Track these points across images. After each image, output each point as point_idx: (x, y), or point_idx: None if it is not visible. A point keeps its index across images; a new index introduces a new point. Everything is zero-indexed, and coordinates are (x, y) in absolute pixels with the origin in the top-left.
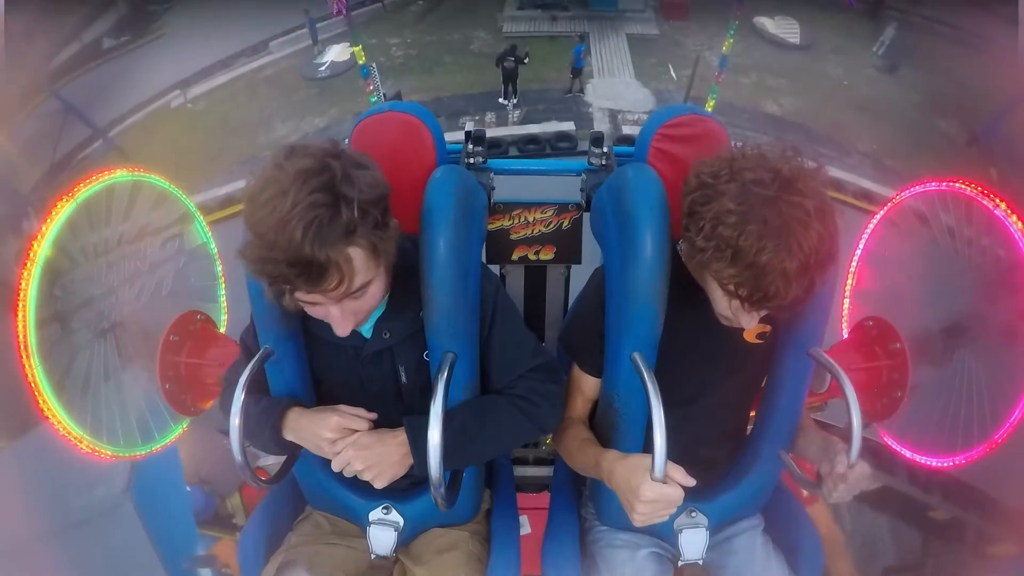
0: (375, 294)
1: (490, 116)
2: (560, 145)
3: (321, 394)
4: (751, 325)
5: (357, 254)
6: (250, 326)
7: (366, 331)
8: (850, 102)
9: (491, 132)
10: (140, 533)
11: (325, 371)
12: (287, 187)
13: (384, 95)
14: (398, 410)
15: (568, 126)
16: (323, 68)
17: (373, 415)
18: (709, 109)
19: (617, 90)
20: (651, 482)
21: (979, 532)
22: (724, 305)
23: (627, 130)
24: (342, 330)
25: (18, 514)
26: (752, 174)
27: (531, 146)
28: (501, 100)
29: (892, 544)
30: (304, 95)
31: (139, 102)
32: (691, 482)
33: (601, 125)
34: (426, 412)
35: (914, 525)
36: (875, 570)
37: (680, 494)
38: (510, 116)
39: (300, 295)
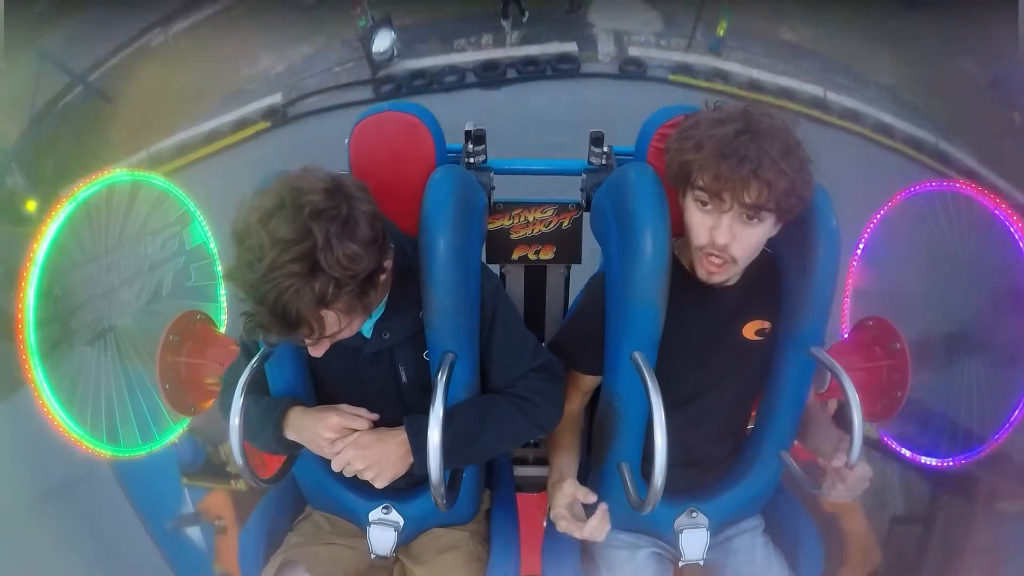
0: (354, 327)
1: (487, 38)
2: (561, 67)
3: (321, 394)
4: (721, 236)
5: (330, 316)
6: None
7: (366, 331)
8: (868, 33)
9: (487, 54)
10: (120, 496)
11: (325, 371)
12: (266, 251)
13: (372, 18)
14: (398, 410)
15: (570, 47)
16: None
17: (374, 415)
18: (720, 33)
19: (622, 10)
20: (558, 507)
21: (990, 487)
22: (697, 217)
23: (634, 52)
24: (316, 353)
25: None
26: (734, 105)
27: (530, 67)
28: (503, 22)
29: (901, 495)
30: (288, 22)
31: (119, 44)
32: (592, 498)
33: (606, 46)
34: (426, 411)
35: (924, 476)
36: (882, 520)
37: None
38: (508, 38)
39: (285, 336)
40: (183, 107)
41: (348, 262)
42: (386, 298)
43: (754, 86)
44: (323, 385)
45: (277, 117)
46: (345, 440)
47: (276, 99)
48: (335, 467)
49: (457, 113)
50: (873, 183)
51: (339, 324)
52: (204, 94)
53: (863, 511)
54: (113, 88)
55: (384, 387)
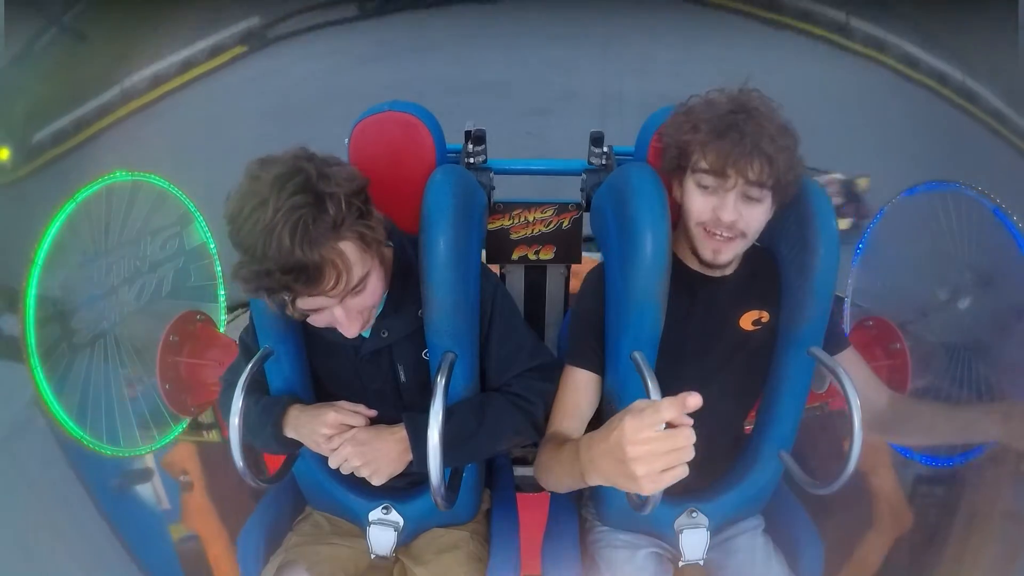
0: (375, 288)
1: None
2: None
3: (322, 394)
4: (727, 214)
5: (348, 247)
6: (250, 325)
7: (365, 330)
8: None
9: None
10: (56, 451)
11: (325, 370)
12: (266, 196)
13: None
14: (398, 408)
15: None
16: None
17: (373, 412)
18: None
19: None
20: (631, 415)
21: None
22: (699, 200)
23: None
24: (351, 331)
25: None
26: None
27: None
28: None
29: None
30: None
31: None
32: (696, 402)
33: None
34: (426, 410)
35: None
36: (906, 478)
37: (669, 411)
38: None
39: (302, 303)
40: (158, 38)
41: (345, 181)
42: (385, 296)
43: (772, 6)
44: (323, 385)
45: (254, 40)
46: (342, 436)
47: (254, 22)
48: (332, 464)
49: (452, 33)
50: (894, 121)
51: (362, 262)
52: (179, 22)
53: (894, 469)
54: (86, 26)
55: (383, 386)
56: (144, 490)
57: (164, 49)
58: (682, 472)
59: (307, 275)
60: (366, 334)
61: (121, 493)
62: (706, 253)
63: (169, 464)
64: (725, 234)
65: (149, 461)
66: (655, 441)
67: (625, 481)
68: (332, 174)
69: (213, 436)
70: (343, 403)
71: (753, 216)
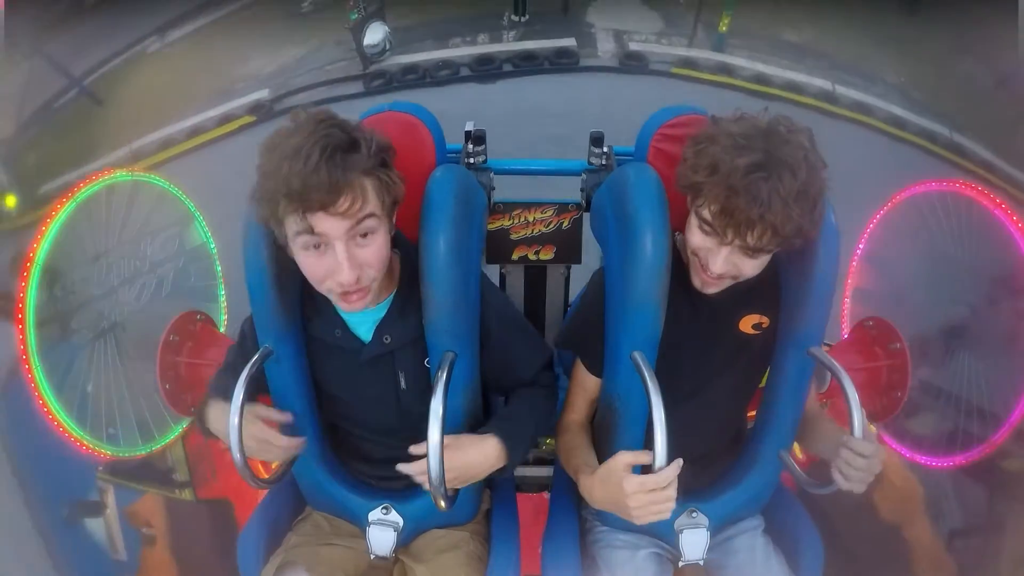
0: (381, 246)
1: (483, 36)
2: (560, 61)
3: (323, 396)
4: (717, 267)
5: (370, 184)
6: (251, 317)
7: (366, 335)
8: (871, 36)
9: (485, 48)
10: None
11: (324, 374)
12: (302, 127)
13: (364, 9)
14: (396, 415)
15: (569, 42)
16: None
17: (286, 417)
18: (723, 29)
19: (621, 11)
20: (629, 477)
21: None
22: (698, 238)
23: (634, 47)
24: (347, 275)
25: None
26: (752, 117)
27: (527, 62)
28: (513, 17)
29: (956, 502)
30: (283, 28)
31: (115, 51)
32: (675, 467)
33: (606, 44)
34: (424, 417)
35: (980, 479)
36: (941, 531)
37: (666, 478)
38: (506, 35)
39: (313, 220)
40: (170, 107)
41: (377, 136)
42: (390, 300)
43: (761, 79)
44: (323, 387)
45: (263, 112)
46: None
47: (263, 95)
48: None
49: (451, 106)
50: (887, 176)
51: (378, 203)
52: (192, 95)
53: (927, 518)
54: (104, 91)
55: (383, 392)
56: (96, 528)
57: (175, 116)
58: (669, 510)
59: (326, 189)
60: (367, 339)
61: (70, 526)
62: (696, 282)
63: (133, 514)
64: (715, 278)
65: (107, 498)
66: (650, 495)
67: (619, 512)
68: (363, 128)
69: (186, 495)
70: (259, 409)
71: (748, 265)
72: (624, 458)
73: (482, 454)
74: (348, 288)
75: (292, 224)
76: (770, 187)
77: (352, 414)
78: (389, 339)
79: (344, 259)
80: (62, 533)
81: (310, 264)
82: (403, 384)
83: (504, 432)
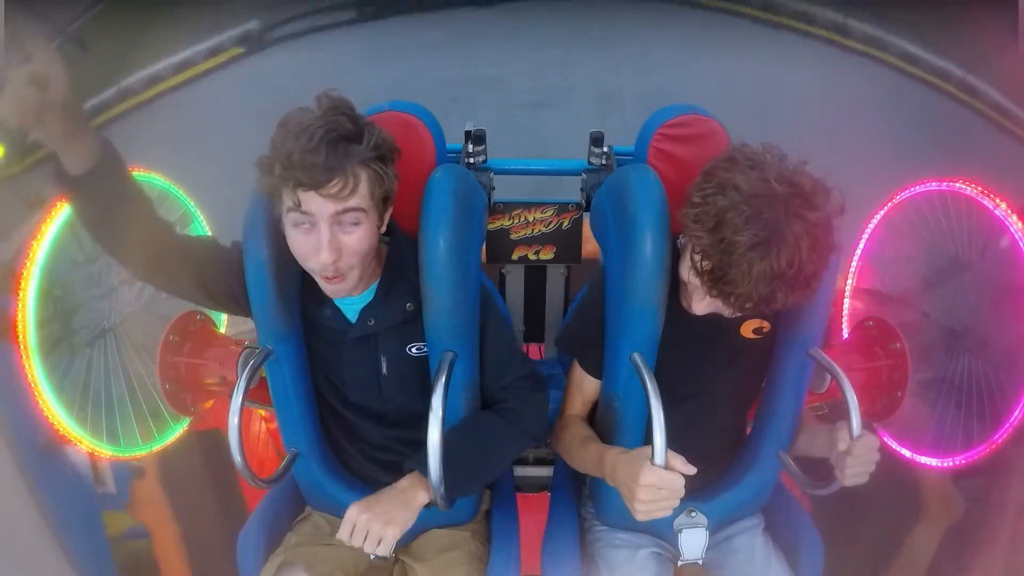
0: (365, 236)
1: None
2: None
3: (314, 377)
4: (699, 310)
5: (364, 175)
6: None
7: (351, 315)
8: None
9: None
10: None
11: (316, 354)
12: (318, 112)
13: None
14: (379, 399)
15: None
16: None
17: None
18: None
19: None
20: (650, 467)
21: None
22: (687, 273)
23: None
24: (325, 255)
25: None
26: (775, 170)
27: None
28: None
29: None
30: None
31: None
32: (691, 470)
33: None
34: (405, 406)
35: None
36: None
37: (680, 481)
38: None
39: (303, 197)
40: (158, 45)
41: (382, 132)
42: (376, 285)
43: (768, 7)
44: (315, 369)
45: (252, 43)
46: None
47: (252, 25)
48: (347, 538)
49: (451, 33)
50: (897, 115)
51: (369, 194)
52: (180, 30)
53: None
54: (90, 37)
55: (365, 374)
56: (79, 460)
57: (163, 53)
58: (672, 509)
59: (320, 169)
60: (352, 319)
61: (47, 454)
62: (683, 301)
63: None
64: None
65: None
66: (657, 489)
67: (626, 499)
68: (375, 125)
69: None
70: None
71: (729, 312)
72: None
73: (400, 500)
74: (326, 271)
75: (285, 198)
76: (764, 266)
77: (340, 396)
78: (372, 322)
79: (325, 240)
80: (41, 465)
81: (297, 242)
82: (384, 369)
83: (421, 463)
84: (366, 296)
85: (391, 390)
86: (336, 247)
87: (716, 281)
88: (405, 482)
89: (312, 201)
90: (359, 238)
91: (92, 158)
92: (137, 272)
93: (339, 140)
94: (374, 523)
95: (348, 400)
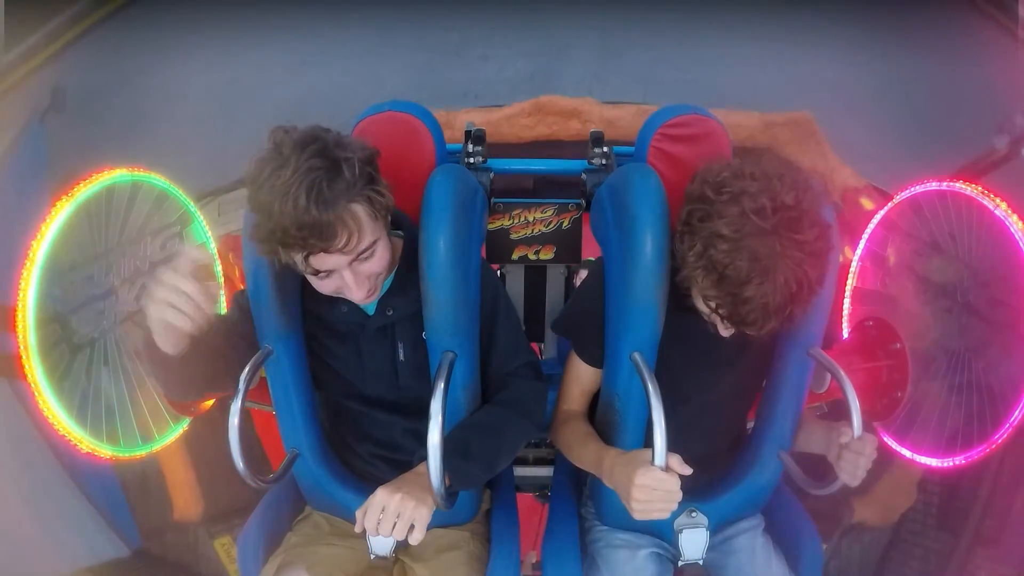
0: (383, 255)
1: None
2: None
3: (323, 374)
4: (726, 334)
5: (360, 210)
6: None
7: (370, 308)
8: None
9: None
10: None
11: (330, 349)
12: (286, 158)
13: None
14: (395, 388)
15: None
16: None
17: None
18: None
19: None
20: (645, 468)
21: None
22: (705, 309)
23: None
24: (359, 295)
25: None
26: (753, 202)
27: None
28: None
29: None
30: None
31: None
32: (687, 470)
33: None
34: (421, 395)
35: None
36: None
37: (676, 482)
38: None
39: (315, 261)
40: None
41: (359, 148)
42: (393, 275)
43: None
44: (326, 368)
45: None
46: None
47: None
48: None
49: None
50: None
51: (373, 228)
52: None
53: None
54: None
55: (382, 364)
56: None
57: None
58: (669, 511)
59: (320, 232)
60: (371, 311)
61: None
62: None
63: None
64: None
65: None
66: (653, 490)
67: (623, 499)
68: (347, 141)
69: None
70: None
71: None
72: (652, 456)
73: (424, 484)
74: (363, 301)
75: (296, 262)
76: (777, 299)
77: (353, 391)
78: (392, 312)
79: (352, 283)
80: None
81: (323, 286)
82: (401, 356)
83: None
84: (384, 286)
85: (407, 378)
86: (363, 281)
87: (739, 323)
88: (423, 467)
89: (325, 261)
90: (380, 258)
91: (188, 342)
92: (198, 393)
93: (322, 188)
94: (407, 502)
95: (362, 394)
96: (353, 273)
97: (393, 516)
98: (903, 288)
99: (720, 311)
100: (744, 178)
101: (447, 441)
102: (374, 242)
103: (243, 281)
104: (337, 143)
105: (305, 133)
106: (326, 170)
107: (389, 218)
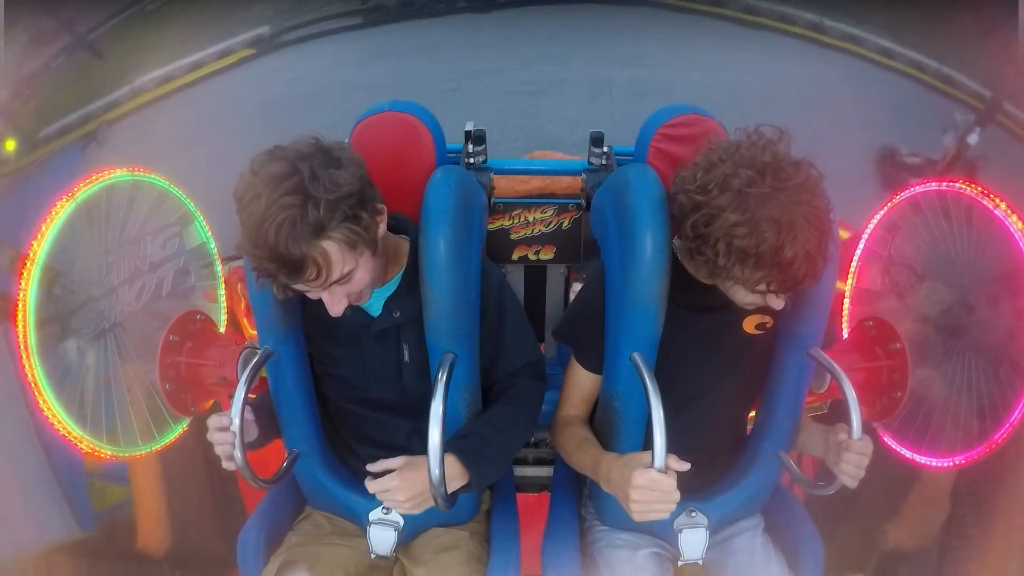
0: (361, 278)
1: None
2: None
3: (326, 376)
4: (781, 306)
5: (331, 247)
6: None
7: (375, 310)
8: None
9: None
10: None
11: (331, 351)
12: (260, 192)
13: None
14: (398, 390)
15: None
16: None
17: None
18: None
19: None
20: (642, 469)
21: None
22: (752, 299)
23: None
24: (335, 310)
25: None
26: (739, 179)
27: None
28: None
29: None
30: None
31: (115, 11)
32: (684, 466)
33: None
34: (424, 396)
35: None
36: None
37: (672, 483)
38: None
39: (291, 285)
40: (172, 50)
41: (334, 186)
42: (399, 276)
43: (750, 10)
44: (328, 369)
45: (263, 45)
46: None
47: (263, 30)
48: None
49: (450, 33)
50: (878, 106)
51: (344, 261)
52: (194, 34)
53: None
54: (104, 46)
55: (386, 366)
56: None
57: (177, 57)
58: (668, 511)
59: (289, 267)
60: (376, 313)
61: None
62: (745, 306)
63: None
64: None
65: None
66: (654, 494)
67: (622, 502)
68: (323, 178)
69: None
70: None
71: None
72: (648, 459)
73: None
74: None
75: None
76: (800, 249)
77: (356, 393)
78: (398, 313)
79: (328, 301)
80: None
81: (307, 295)
82: (406, 357)
83: (463, 450)
84: (390, 287)
85: (412, 379)
86: (341, 299)
87: (793, 286)
88: (450, 469)
89: (301, 287)
90: (358, 280)
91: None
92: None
93: (292, 226)
94: (406, 497)
95: (366, 396)
96: (330, 293)
97: (414, 487)
98: (903, 288)
99: (772, 287)
100: (715, 166)
101: (466, 442)
102: (349, 271)
103: (249, 314)
104: (314, 177)
105: (283, 165)
106: (297, 207)
107: (376, 240)
